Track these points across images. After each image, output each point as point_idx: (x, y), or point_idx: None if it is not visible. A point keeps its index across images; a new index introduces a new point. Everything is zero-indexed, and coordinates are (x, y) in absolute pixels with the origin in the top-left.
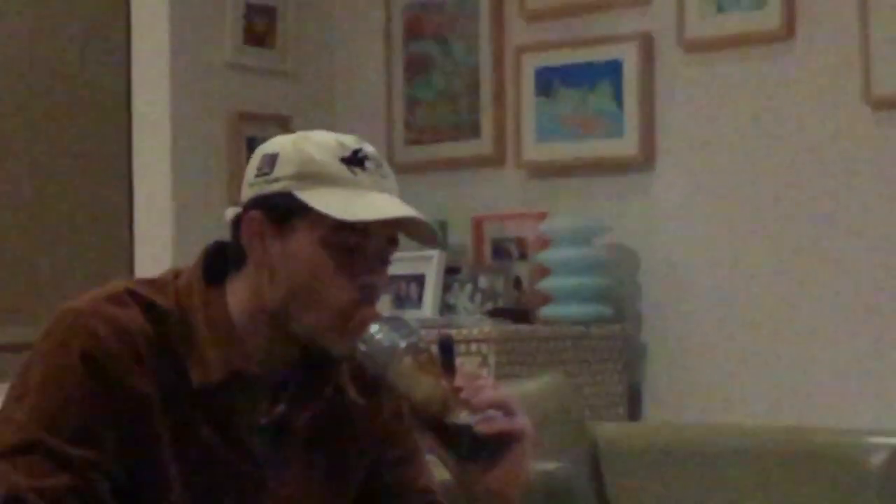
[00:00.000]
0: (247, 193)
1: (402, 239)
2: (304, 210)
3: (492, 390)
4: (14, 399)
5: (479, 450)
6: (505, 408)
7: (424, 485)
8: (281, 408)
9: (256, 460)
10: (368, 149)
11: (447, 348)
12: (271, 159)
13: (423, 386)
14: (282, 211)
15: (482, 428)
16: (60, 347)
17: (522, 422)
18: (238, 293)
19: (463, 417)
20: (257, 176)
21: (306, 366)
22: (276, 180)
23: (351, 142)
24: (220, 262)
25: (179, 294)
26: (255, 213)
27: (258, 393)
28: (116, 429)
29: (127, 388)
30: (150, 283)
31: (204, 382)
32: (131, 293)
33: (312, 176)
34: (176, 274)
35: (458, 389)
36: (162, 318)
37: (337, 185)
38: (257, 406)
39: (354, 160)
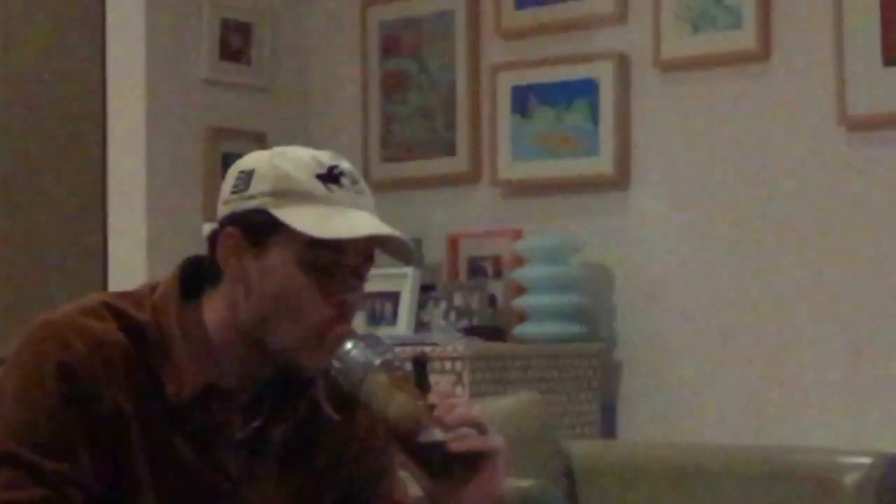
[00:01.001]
0: (222, 210)
1: (378, 256)
2: (280, 227)
3: (465, 408)
4: None
5: (452, 467)
6: (478, 426)
7: (399, 500)
8: (256, 423)
9: (231, 475)
10: (344, 165)
11: (421, 366)
12: (247, 176)
13: (396, 403)
14: (257, 228)
15: (455, 446)
16: (35, 359)
17: (495, 440)
18: (214, 309)
19: (436, 435)
20: (233, 192)
21: (282, 381)
22: (252, 197)
23: (327, 158)
24: (196, 277)
25: (156, 308)
26: (231, 230)
27: (234, 408)
28: (91, 442)
29: (102, 401)
30: (127, 296)
31: (179, 396)
32: (107, 306)
33: (288, 193)
34: (152, 288)
35: (432, 407)
36: (138, 332)
37: (312, 202)
38: (233, 421)
39: (330, 177)
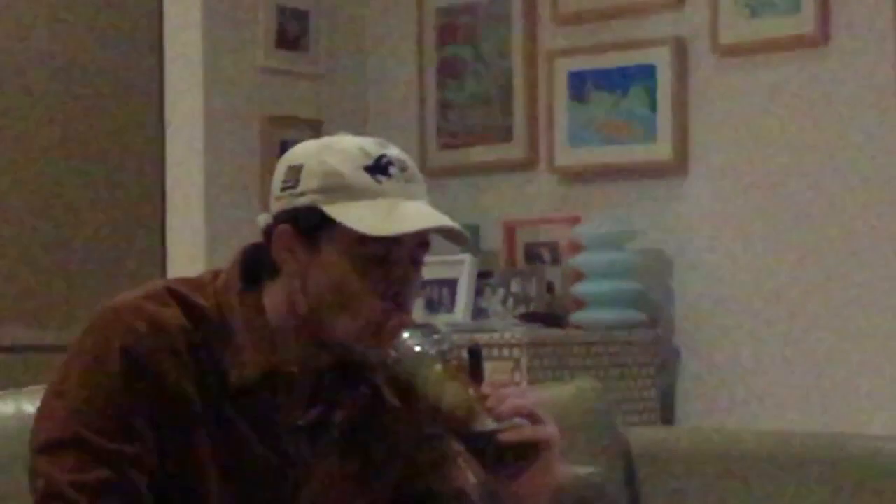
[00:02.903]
0: (275, 206)
1: (436, 242)
2: (333, 224)
3: (518, 398)
4: (54, 395)
5: (504, 457)
6: (531, 416)
7: (459, 486)
8: (317, 409)
9: (292, 460)
10: (392, 152)
11: (476, 356)
12: (296, 172)
13: (450, 393)
14: (310, 225)
15: (506, 436)
16: (100, 344)
17: (549, 430)
18: (273, 299)
19: (488, 425)
20: (283, 188)
21: (342, 367)
22: (302, 194)
23: (374, 147)
24: (256, 266)
25: (218, 294)
26: (284, 227)
27: (295, 393)
28: (155, 425)
29: (165, 384)
30: (190, 282)
31: (241, 381)
32: (170, 292)
33: (337, 189)
34: (215, 275)
35: (485, 397)
36: (201, 317)
37: (363, 196)
38: (294, 407)
39: (378, 168)
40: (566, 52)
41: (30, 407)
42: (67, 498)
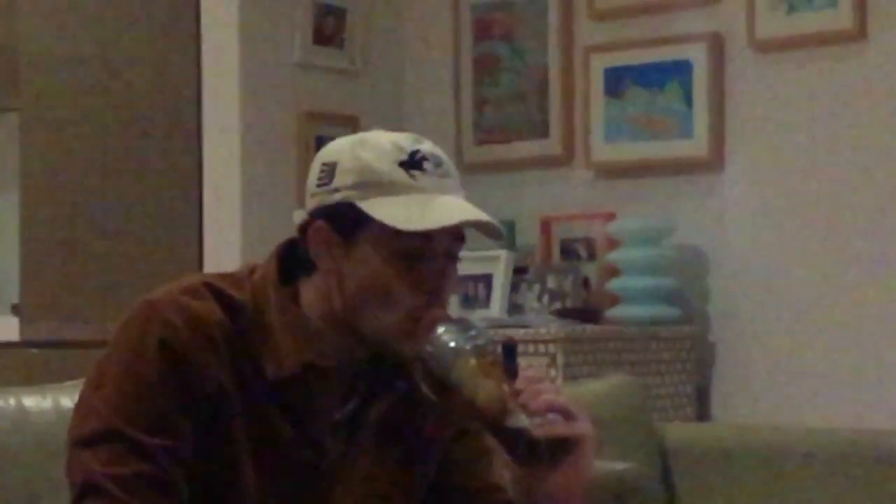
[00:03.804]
0: (310, 203)
1: (471, 238)
2: (368, 220)
3: (551, 394)
4: (92, 388)
5: (537, 453)
6: (564, 412)
7: (495, 482)
8: (353, 403)
9: (328, 454)
10: (426, 148)
11: (510, 351)
12: (330, 168)
13: (484, 388)
14: (345, 222)
15: (539, 432)
16: (138, 337)
17: (582, 426)
18: (309, 296)
19: (521, 420)
20: (318, 185)
21: (378, 362)
22: (337, 190)
23: (408, 143)
24: (292, 262)
25: (255, 289)
26: (319, 224)
27: (331, 387)
28: (192, 418)
29: (203, 377)
30: (226, 277)
31: (278, 374)
32: (208, 286)
33: (371, 185)
34: (252, 269)
35: (519, 393)
36: (238, 311)
37: (397, 192)
38: (331, 401)
39: (412, 163)
40: (602, 48)
41: (68, 401)
42: (105, 491)
